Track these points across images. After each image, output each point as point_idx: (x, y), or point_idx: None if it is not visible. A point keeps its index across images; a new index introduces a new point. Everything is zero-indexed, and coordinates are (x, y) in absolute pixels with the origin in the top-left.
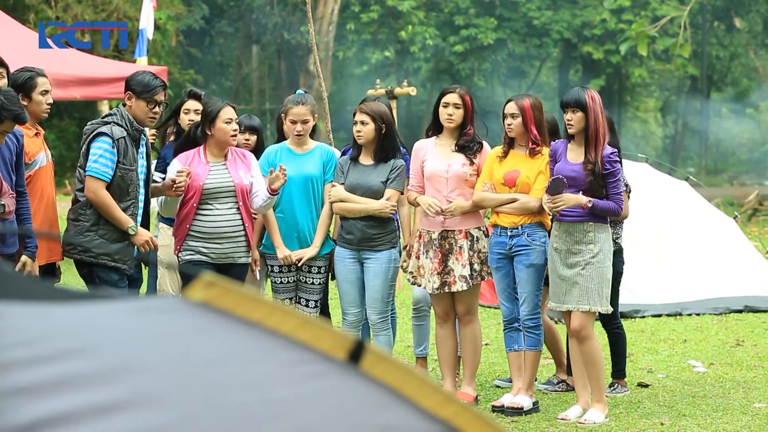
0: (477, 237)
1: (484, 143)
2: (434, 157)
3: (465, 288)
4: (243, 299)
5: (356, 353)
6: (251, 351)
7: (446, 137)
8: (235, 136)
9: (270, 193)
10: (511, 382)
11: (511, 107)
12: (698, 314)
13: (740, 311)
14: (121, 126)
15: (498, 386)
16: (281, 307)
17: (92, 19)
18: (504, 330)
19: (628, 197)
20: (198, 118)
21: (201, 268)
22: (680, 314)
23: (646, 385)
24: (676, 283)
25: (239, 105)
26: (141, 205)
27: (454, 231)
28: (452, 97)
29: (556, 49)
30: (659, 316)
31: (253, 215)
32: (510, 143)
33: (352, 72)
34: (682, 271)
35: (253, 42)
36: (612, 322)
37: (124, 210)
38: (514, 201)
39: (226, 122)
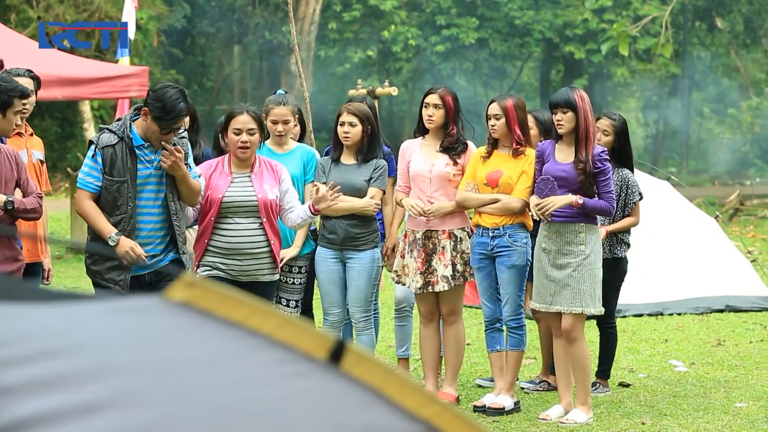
0: (461, 238)
1: (470, 143)
2: (419, 157)
3: (446, 288)
4: (224, 299)
5: (337, 353)
6: (232, 351)
7: (432, 138)
8: (244, 148)
9: (312, 213)
10: (492, 381)
11: (495, 108)
12: (679, 314)
13: (721, 311)
14: (114, 132)
15: (480, 386)
16: (262, 307)
17: (74, 19)
18: (485, 330)
19: (639, 204)
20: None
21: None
22: (661, 314)
23: (627, 385)
24: (658, 282)
25: (221, 105)
26: (151, 219)
27: (437, 231)
28: (432, 98)
29: (537, 48)
30: (640, 315)
31: None
32: (494, 144)
33: (334, 72)
34: (663, 270)
35: (234, 42)
36: (607, 321)
37: (114, 225)
38: (496, 201)
39: (234, 132)
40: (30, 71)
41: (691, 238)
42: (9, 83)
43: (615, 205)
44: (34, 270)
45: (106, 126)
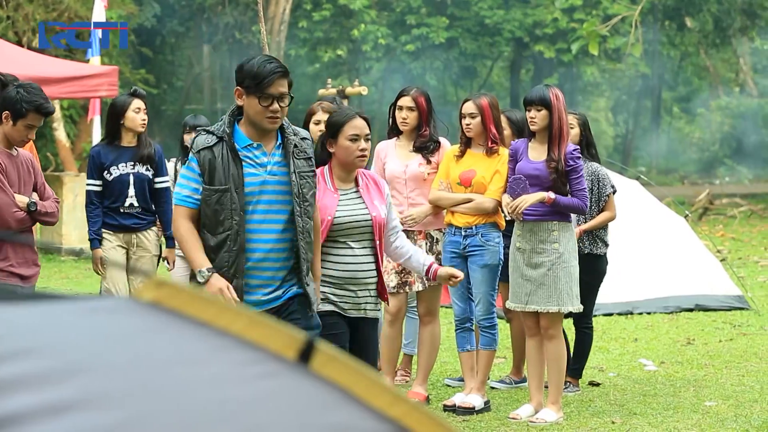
0: (437, 239)
1: (442, 140)
2: (393, 158)
3: (422, 288)
4: (193, 299)
5: (306, 353)
6: (202, 351)
7: (405, 138)
8: (362, 157)
9: (427, 276)
10: (461, 381)
11: (470, 107)
12: (649, 313)
13: (691, 310)
14: (212, 132)
15: (448, 386)
16: (232, 306)
17: (43, 18)
18: (456, 330)
19: (613, 198)
20: (145, 116)
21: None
22: (631, 313)
23: (597, 384)
24: (627, 282)
25: (191, 105)
26: (267, 238)
27: (413, 232)
28: (406, 101)
29: (507, 48)
30: (610, 314)
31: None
32: (467, 143)
33: (304, 71)
34: (633, 270)
35: (204, 41)
36: (583, 321)
37: (217, 246)
38: (469, 201)
39: (351, 139)
40: None
41: (660, 237)
42: (30, 95)
43: (588, 202)
44: None
45: (203, 127)
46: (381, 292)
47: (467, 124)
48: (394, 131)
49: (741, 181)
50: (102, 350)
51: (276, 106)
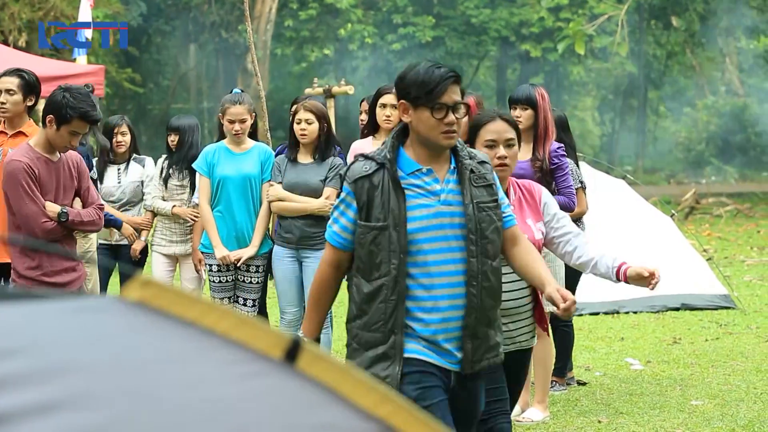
0: None
1: None
2: None
3: None
4: (179, 299)
5: (292, 352)
6: (188, 351)
7: (383, 137)
8: (502, 166)
9: (618, 280)
10: None
11: None
12: (635, 312)
13: (677, 309)
14: (371, 158)
15: None
16: (217, 306)
17: (29, 17)
18: None
19: (584, 193)
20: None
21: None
22: (617, 312)
23: (584, 383)
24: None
25: (177, 104)
26: (443, 282)
27: None
28: (389, 98)
29: (494, 47)
30: (596, 314)
31: (194, 215)
32: None
33: (290, 70)
34: None
35: (190, 40)
36: (561, 320)
37: (372, 295)
38: None
39: (488, 145)
40: (19, 70)
41: (646, 236)
42: (77, 101)
43: (575, 199)
44: (1, 270)
45: (361, 153)
46: (539, 320)
47: None
48: (371, 129)
49: (727, 181)
50: (88, 350)
51: (451, 117)
